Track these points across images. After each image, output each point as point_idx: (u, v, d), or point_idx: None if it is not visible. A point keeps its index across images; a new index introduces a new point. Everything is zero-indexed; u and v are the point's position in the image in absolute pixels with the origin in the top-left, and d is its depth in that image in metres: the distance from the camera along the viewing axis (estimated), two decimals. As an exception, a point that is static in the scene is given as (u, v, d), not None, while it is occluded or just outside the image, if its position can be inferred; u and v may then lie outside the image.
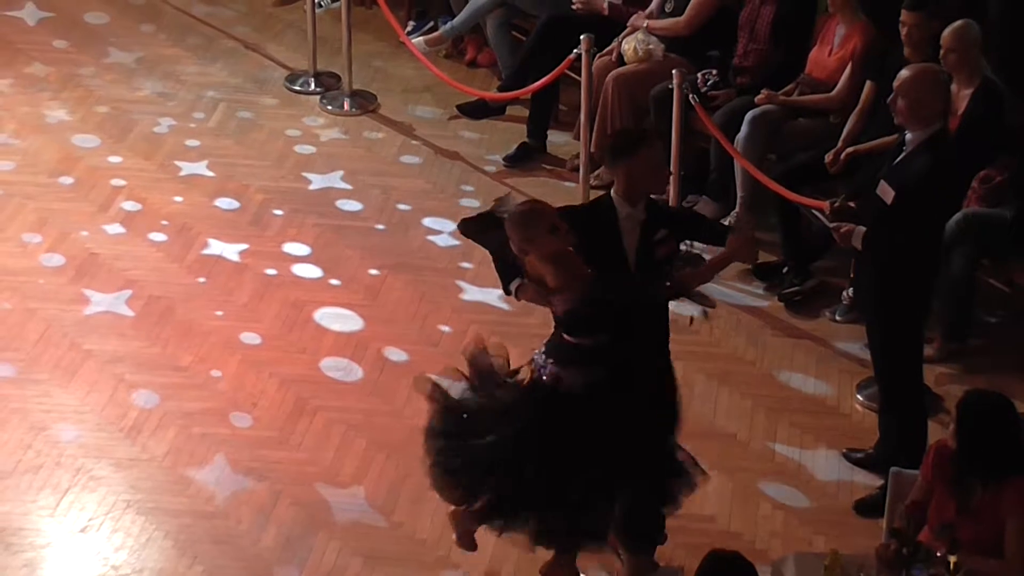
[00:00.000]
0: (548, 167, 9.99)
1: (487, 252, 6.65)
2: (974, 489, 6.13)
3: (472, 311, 8.70)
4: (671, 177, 8.69)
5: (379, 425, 7.91)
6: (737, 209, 9.12)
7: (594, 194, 8.18)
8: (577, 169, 9.61)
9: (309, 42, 10.80)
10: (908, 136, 7.09)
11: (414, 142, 10.24)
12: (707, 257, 7.95)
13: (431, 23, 11.09)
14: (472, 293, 8.86)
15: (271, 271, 9.00)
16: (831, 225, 7.33)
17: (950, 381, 8.17)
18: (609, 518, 6.63)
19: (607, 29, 9.73)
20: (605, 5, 9.90)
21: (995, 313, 8.67)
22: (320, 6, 11.24)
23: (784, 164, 8.92)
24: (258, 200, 9.61)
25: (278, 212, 9.50)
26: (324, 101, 10.64)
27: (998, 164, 8.34)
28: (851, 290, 8.47)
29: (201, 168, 9.90)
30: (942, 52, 8.11)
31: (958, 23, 8.14)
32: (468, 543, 6.74)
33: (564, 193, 9.34)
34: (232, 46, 11.29)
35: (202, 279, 8.92)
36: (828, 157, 8.61)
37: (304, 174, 9.89)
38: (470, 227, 6.67)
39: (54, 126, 10.28)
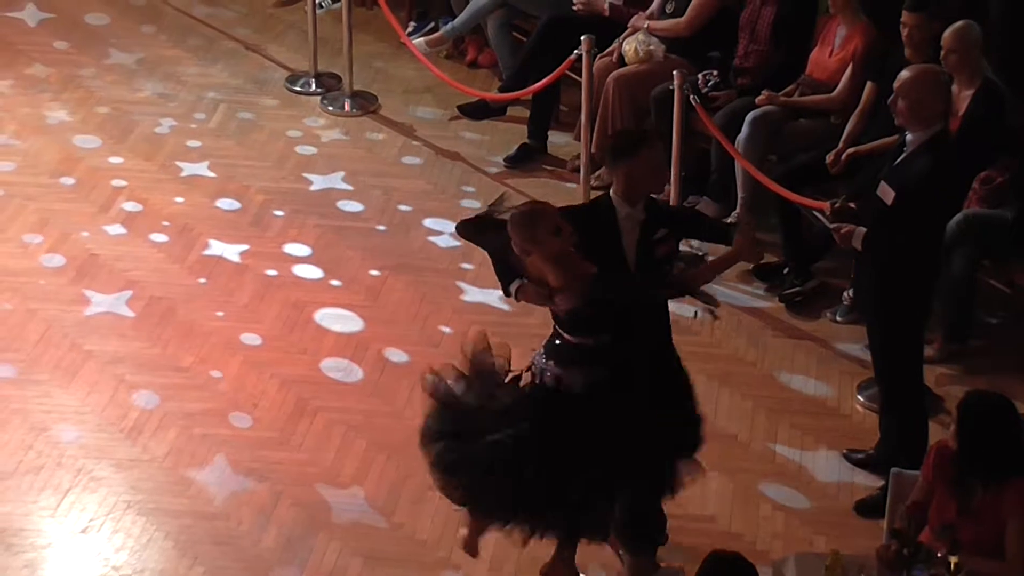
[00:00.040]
0: (549, 168, 9.99)
1: (487, 253, 6.65)
2: (975, 490, 6.12)
3: (473, 312, 8.69)
4: (671, 177, 8.68)
5: (379, 426, 7.91)
6: (738, 210, 9.11)
7: (595, 195, 8.18)
8: (578, 170, 9.61)
9: (310, 43, 10.80)
10: (909, 137, 7.08)
11: (415, 143, 10.24)
12: (710, 258, 7.94)
13: (432, 24, 11.10)
14: (473, 294, 8.85)
15: (272, 272, 9.00)
16: (832, 226, 7.32)
17: (951, 382, 8.16)
18: (609, 518, 6.63)
19: (608, 30, 9.73)
20: (606, 6, 9.90)
21: (996, 314, 8.67)
22: (321, 7, 11.23)
23: (785, 165, 8.92)
24: (259, 201, 9.61)
25: (279, 213, 9.50)
26: (325, 102, 10.63)
27: (999, 165, 8.34)
28: (852, 291, 8.48)
29: (202, 169, 9.90)
30: (943, 53, 8.10)
31: (959, 24, 8.13)
32: (473, 548, 6.73)
33: (565, 194, 9.34)
34: (233, 47, 11.29)
35: (203, 280, 8.92)
36: (829, 158, 8.61)
37: (305, 175, 9.89)
38: (468, 229, 6.64)
39: (55, 127, 10.28)
